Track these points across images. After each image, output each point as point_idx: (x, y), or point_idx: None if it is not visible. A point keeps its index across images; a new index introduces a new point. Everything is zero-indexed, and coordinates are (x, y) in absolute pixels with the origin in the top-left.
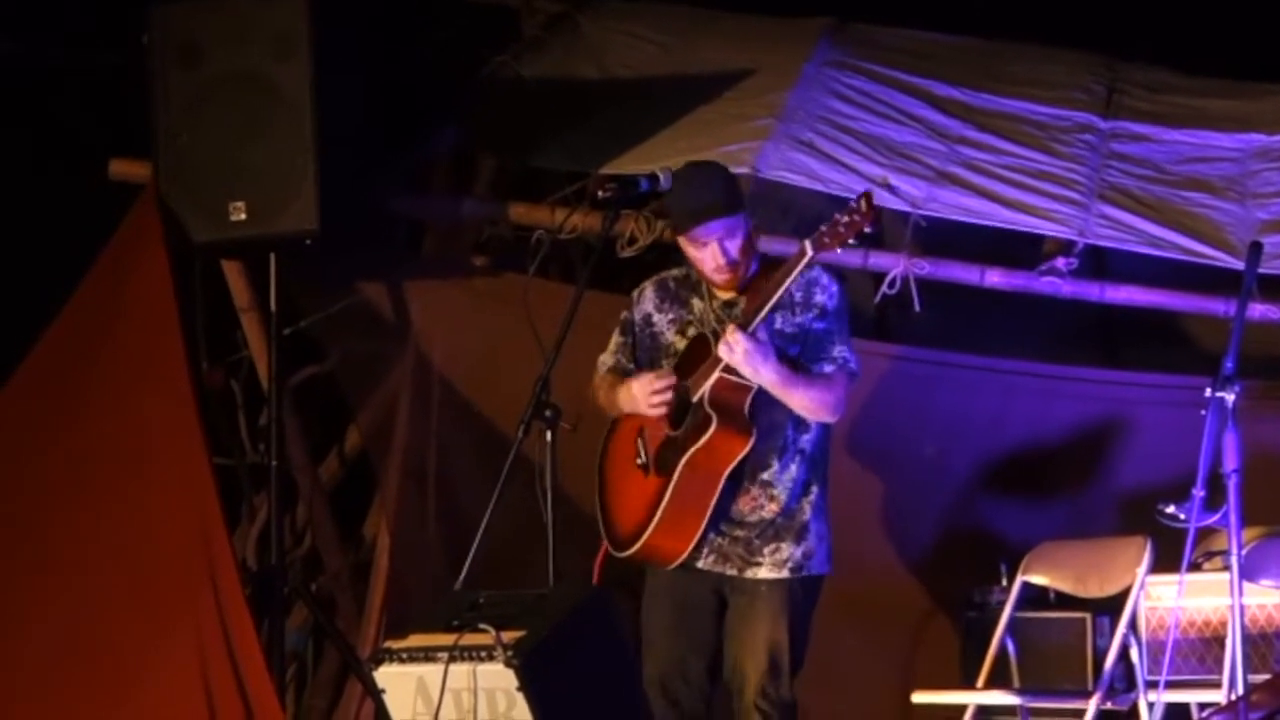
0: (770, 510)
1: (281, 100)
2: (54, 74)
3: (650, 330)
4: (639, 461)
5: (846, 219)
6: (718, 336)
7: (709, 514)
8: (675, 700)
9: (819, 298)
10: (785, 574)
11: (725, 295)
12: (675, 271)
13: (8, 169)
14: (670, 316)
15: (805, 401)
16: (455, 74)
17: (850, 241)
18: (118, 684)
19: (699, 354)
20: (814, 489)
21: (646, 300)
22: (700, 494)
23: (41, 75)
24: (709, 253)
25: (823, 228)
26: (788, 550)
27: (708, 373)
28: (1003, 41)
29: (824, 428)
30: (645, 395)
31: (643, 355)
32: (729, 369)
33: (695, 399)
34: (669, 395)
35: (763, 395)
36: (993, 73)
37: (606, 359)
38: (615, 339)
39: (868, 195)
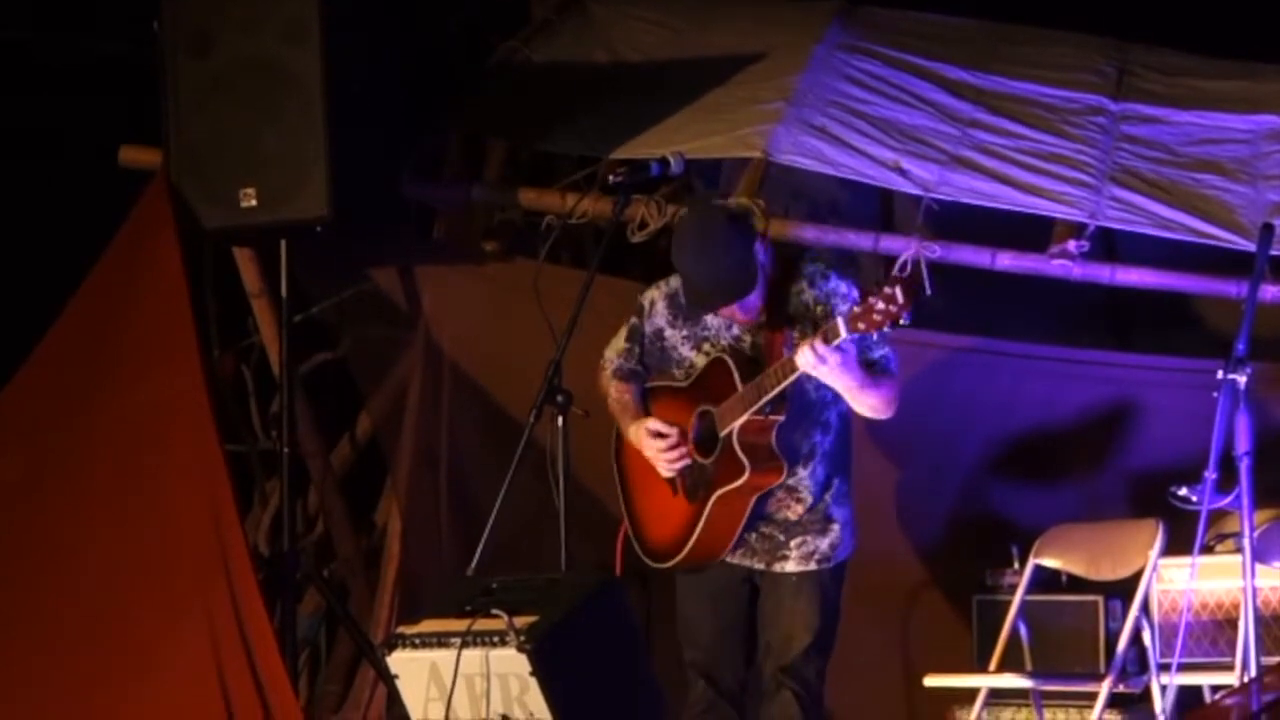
0: (796, 511)
1: (292, 86)
2: (65, 61)
3: (661, 344)
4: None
5: (882, 306)
6: (735, 356)
7: (741, 529)
8: (715, 682)
9: (843, 308)
10: (813, 566)
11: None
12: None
13: (18, 156)
14: (684, 333)
15: (874, 403)
16: (466, 58)
17: (886, 329)
18: (131, 669)
19: (719, 378)
20: (835, 481)
21: (658, 315)
22: (732, 518)
23: (52, 63)
24: (726, 311)
25: (856, 308)
26: (814, 544)
27: (737, 411)
28: (1012, 24)
29: (845, 426)
30: (660, 461)
31: (652, 364)
32: (760, 410)
33: (723, 433)
34: (682, 463)
35: (788, 420)
36: (1003, 55)
37: (613, 357)
38: (622, 342)
39: (906, 285)
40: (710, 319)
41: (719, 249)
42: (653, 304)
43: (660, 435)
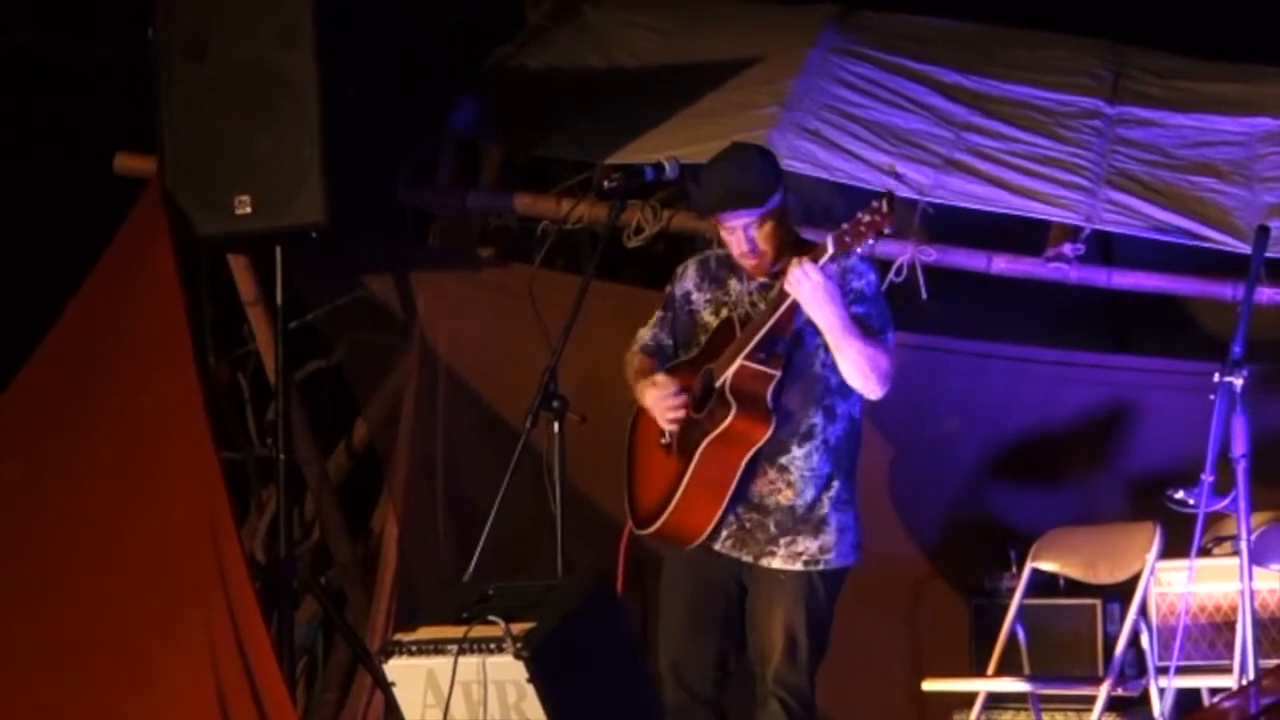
0: (786, 496)
1: (287, 91)
2: (59, 68)
3: (689, 308)
4: (663, 441)
5: (868, 218)
6: (743, 321)
7: (729, 496)
8: (687, 686)
9: (855, 284)
10: (799, 566)
11: (763, 277)
12: (719, 250)
13: (14, 162)
14: (707, 296)
15: (858, 356)
16: (461, 63)
17: (870, 241)
18: (129, 679)
19: (724, 338)
20: (835, 482)
21: (688, 278)
22: (720, 477)
23: (47, 69)
24: (734, 239)
25: (844, 225)
26: (803, 544)
27: (730, 359)
28: (1008, 27)
29: (851, 422)
30: (660, 409)
31: (681, 331)
32: (751, 356)
33: (718, 384)
34: (682, 413)
35: (786, 380)
36: (998, 58)
37: (644, 334)
38: (657, 313)
39: (889, 196)
40: (733, 283)
41: (743, 161)
42: (685, 269)
43: (662, 386)
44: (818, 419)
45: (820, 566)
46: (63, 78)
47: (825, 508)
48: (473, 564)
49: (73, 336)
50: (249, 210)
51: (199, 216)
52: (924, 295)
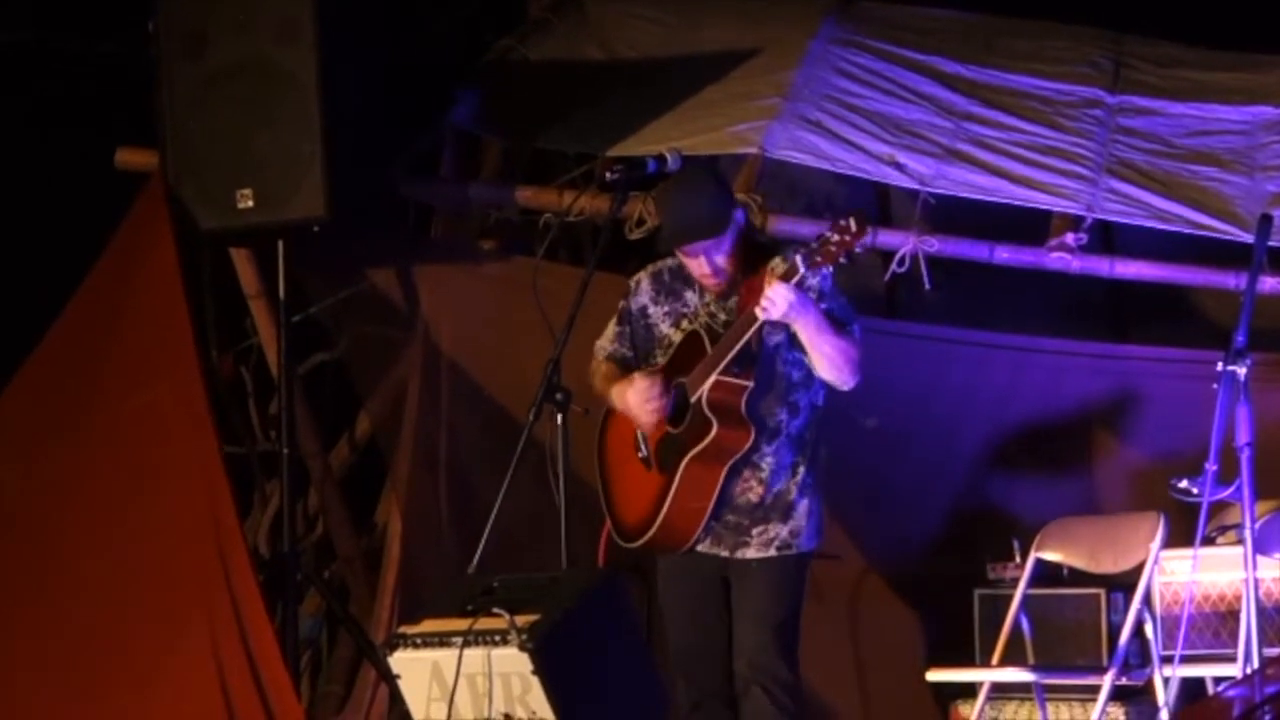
0: (757, 493)
1: (288, 86)
2: (60, 63)
3: (646, 321)
4: (640, 454)
5: (836, 238)
6: (710, 334)
7: (711, 507)
8: (694, 680)
9: (811, 281)
10: (773, 553)
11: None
12: (670, 262)
13: (14, 158)
14: (665, 309)
15: (833, 352)
16: (462, 57)
17: (841, 260)
18: (134, 674)
19: (693, 351)
20: (801, 469)
21: (643, 293)
22: (702, 490)
23: (48, 65)
24: (697, 263)
25: (813, 243)
26: (775, 530)
27: (705, 374)
28: (1008, 16)
29: (813, 410)
30: (640, 404)
31: (640, 345)
32: (726, 371)
33: (693, 399)
34: (662, 404)
35: (757, 388)
36: (999, 48)
37: (605, 345)
38: (613, 327)
39: (858, 214)
40: (689, 295)
41: (695, 192)
42: (638, 283)
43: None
44: (783, 415)
45: (792, 551)
46: (64, 73)
47: (793, 493)
48: (477, 556)
49: (75, 331)
50: (251, 204)
51: (201, 210)
52: (927, 285)
